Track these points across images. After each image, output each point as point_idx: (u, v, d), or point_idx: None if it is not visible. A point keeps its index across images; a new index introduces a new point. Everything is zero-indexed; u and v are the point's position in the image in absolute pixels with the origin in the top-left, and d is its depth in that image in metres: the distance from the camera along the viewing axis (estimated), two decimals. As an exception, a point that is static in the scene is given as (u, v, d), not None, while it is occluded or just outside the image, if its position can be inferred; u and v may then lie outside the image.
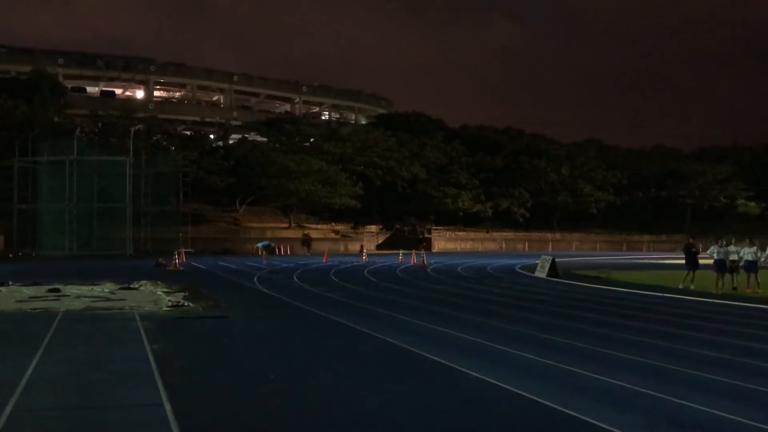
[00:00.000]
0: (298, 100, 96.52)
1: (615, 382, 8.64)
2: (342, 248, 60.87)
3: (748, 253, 21.90)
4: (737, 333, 13.32)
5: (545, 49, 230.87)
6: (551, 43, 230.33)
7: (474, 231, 75.70)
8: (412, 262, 38.91)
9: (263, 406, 7.49)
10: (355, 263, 38.86)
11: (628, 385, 8.42)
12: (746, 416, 7.04)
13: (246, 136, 75.99)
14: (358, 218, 68.91)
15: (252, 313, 16.02)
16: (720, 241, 22.59)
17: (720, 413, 7.18)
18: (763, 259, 22.86)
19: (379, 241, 67.09)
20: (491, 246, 72.79)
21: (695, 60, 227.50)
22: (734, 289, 21.78)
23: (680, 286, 22.81)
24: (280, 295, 19.98)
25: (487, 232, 76.31)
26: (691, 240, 25.41)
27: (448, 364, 9.70)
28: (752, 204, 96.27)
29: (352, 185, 66.08)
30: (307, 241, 56.37)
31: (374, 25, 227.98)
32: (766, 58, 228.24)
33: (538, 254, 38.63)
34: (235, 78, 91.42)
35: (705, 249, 25.23)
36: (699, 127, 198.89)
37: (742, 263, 21.94)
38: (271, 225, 64.44)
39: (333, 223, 68.66)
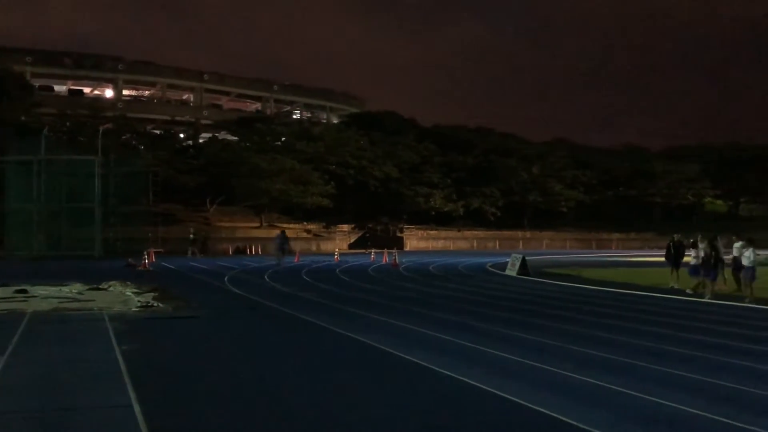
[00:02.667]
0: (269, 98, 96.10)
1: (585, 378, 8.73)
2: (314, 248, 60.73)
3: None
4: (704, 329, 13.52)
5: (515, 49, 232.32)
6: (521, 42, 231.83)
7: (446, 230, 75.96)
8: (384, 261, 38.98)
9: (233, 406, 7.45)
10: (328, 263, 38.81)
11: (598, 382, 8.51)
12: (712, 411, 7.17)
13: (217, 135, 75.52)
14: (330, 217, 68.81)
15: (222, 313, 15.93)
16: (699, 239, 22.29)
17: (687, 408, 7.29)
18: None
19: (352, 240, 67.06)
20: (463, 245, 73.09)
21: (664, 59, 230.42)
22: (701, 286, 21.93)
23: (683, 288, 21.97)
24: (251, 295, 19.89)
25: (459, 231, 76.64)
26: (675, 237, 24.93)
27: (420, 362, 9.73)
28: (719, 202, 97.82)
29: (324, 184, 65.95)
30: (197, 241, 48.89)
31: (346, 25, 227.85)
32: (733, 57, 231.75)
33: (509, 253, 38.80)
34: (206, 77, 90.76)
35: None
36: (668, 126, 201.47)
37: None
38: (243, 225, 64.08)
39: (305, 223, 68.49)
